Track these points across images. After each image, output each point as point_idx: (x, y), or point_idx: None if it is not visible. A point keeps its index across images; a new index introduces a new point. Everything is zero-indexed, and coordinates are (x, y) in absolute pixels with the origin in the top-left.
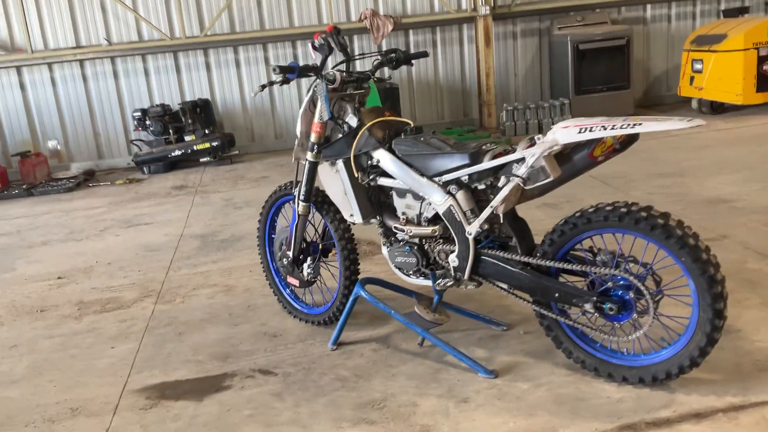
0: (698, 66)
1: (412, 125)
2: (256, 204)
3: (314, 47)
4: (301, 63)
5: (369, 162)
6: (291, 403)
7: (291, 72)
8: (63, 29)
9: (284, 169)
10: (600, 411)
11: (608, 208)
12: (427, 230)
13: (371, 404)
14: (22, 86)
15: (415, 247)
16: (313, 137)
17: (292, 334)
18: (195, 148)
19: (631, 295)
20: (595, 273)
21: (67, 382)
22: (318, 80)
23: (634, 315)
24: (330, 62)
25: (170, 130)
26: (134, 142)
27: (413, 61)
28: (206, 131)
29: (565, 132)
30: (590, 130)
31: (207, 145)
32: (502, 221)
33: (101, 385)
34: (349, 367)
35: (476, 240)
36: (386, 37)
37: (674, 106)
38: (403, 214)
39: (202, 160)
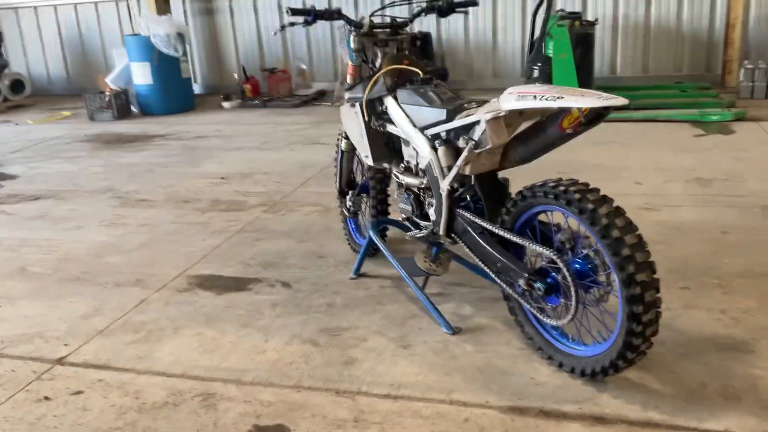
0: None
1: (421, 75)
2: None
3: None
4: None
5: (380, 108)
6: (276, 314)
7: (306, 15)
8: None
9: None
10: (510, 388)
11: (551, 183)
12: (415, 181)
13: (330, 331)
14: (279, 7)
15: (412, 196)
16: (348, 79)
17: (334, 259)
18: None
19: (561, 278)
20: (529, 251)
21: (151, 258)
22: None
23: (562, 300)
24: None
25: None
26: None
27: (465, 11)
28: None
29: (506, 98)
30: (524, 99)
31: None
32: (473, 182)
33: (170, 267)
34: (346, 296)
35: (457, 198)
36: None
37: None
38: (407, 162)
39: None
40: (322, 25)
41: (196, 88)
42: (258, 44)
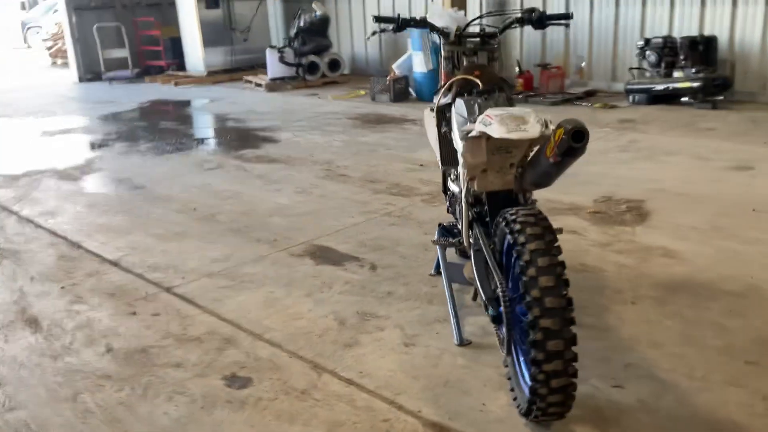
0: None
1: (480, 86)
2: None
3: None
4: None
5: (448, 114)
6: (340, 290)
7: (392, 23)
8: None
9: (737, 128)
10: (454, 408)
11: (512, 210)
12: (457, 189)
13: (365, 315)
14: (567, 5)
15: (456, 204)
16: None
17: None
18: (676, 85)
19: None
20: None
21: (301, 225)
22: (429, 32)
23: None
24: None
25: (662, 64)
26: (631, 69)
27: (561, 23)
28: (695, 70)
29: (479, 119)
30: (480, 123)
31: (687, 84)
32: (482, 199)
33: (306, 234)
34: (410, 289)
35: (478, 213)
36: None
37: None
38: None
39: (682, 99)
40: (605, 23)
41: None
42: (541, 39)
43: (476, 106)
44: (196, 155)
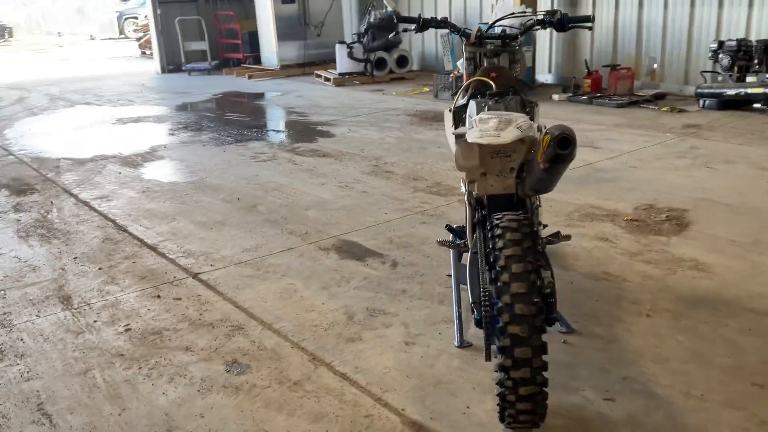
0: None
1: (493, 88)
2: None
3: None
4: None
5: (464, 115)
6: (356, 285)
7: (414, 23)
8: None
9: None
10: (438, 408)
11: (498, 215)
12: (463, 189)
13: (374, 311)
14: (641, 4)
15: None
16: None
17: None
18: (749, 91)
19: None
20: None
21: (335, 219)
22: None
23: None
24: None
25: (735, 67)
26: (703, 72)
27: (584, 26)
28: None
29: (469, 122)
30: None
31: (760, 90)
32: (484, 201)
33: (339, 228)
34: (424, 288)
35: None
36: None
37: None
38: None
39: (754, 105)
40: (678, 23)
41: (549, 78)
42: (613, 39)
43: (485, 106)
44: (253, 147)
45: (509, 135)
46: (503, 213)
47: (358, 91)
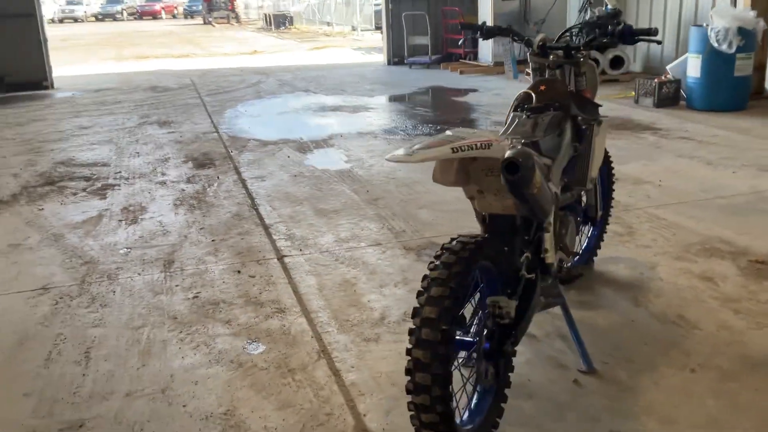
0: None
1: (533, 101)
2: None
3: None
4: None
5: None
6: (407, 277)
7: (477, 30)
8: None
9: None
10: (400, 420)
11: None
12: None
13: (406, 311)
14: None
15: None
16: None
17: None
18: None
19: None
20: None
21: (439, 221)
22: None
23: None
24: None
25: None
26: None
27: (651, 40)
28: None
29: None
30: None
31: None
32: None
33: (435, 231)
34: None
35: None
36: None
37: None
38: None
39: None
40: None
41: None
42: None
43: (517, 119)
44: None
45: (421, 155)
46: (459, 234)
47: None
